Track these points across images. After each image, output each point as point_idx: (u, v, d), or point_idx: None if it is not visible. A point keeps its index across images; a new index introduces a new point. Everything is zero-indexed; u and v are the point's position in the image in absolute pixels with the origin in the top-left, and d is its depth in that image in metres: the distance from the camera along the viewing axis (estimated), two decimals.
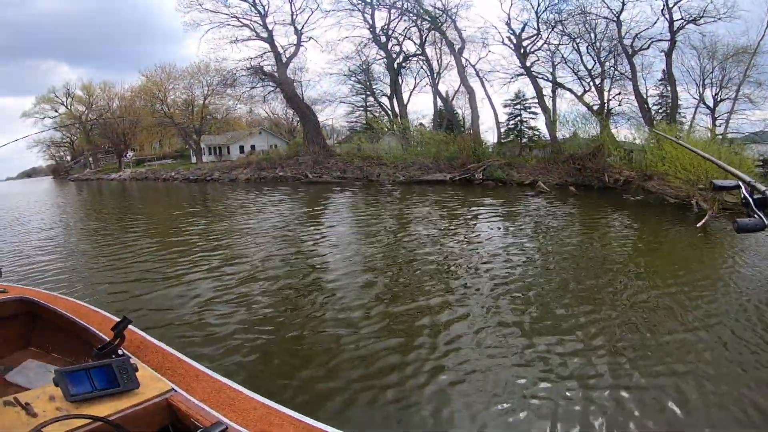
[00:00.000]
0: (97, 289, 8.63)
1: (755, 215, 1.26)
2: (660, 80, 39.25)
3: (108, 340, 2.58)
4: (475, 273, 9.67)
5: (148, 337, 2.78)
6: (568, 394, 4.86)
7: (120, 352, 2.52)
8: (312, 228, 14.95)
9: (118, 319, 2.69)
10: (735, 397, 4.64)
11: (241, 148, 50.82)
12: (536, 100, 39.95)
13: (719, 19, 31.90)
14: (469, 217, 17.67)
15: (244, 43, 40.37)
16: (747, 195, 1.29)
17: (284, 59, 39.81)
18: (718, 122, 36.11)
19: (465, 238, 13.68)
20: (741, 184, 1.33)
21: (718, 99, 36.57)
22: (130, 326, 2.63)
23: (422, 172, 31.76)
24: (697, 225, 15.18)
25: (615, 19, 34.83)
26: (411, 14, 39.39)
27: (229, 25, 39.29)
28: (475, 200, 22.32)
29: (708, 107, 37.09)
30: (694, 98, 37.07)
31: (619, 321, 7.04)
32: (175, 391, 2.14)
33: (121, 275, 9.57)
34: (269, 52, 39.80)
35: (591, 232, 15.25)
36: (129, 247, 12.46)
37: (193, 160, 50.44)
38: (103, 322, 2.97)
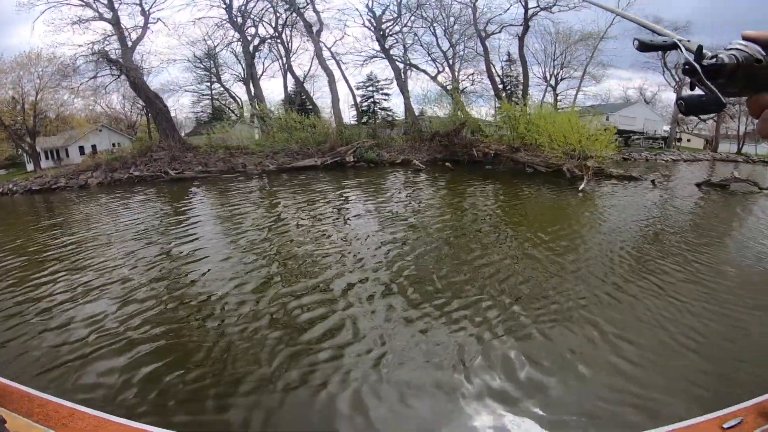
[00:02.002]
0: None
1: (704, 88, 0.84)
2: (505, 61, 43.28)
3: None
4: (374, 251, 9.54)
5: (11, 384, 2.47)
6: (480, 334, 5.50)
7: None
8: (186, 232, 13.18)
9: None
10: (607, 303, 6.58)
11: (81, 149, 44.85)
12: (387, 82, 41.80)
13: (574, 8, 35.75)
14: (353, 199, 17.40)
15: (85, 26, 35.56)
16: (692, 60, 0.85)
17: (129, 43, 35.98)
18: (559, 97, 42.79)
19: (356, 219, 13.40)
20: (678, 43, 0.91)
21: (560, 78, 43.07)
22: None
23: (291, 159, 30.76)
24: (579, 189, 16.72)
25: (471, 4, 36.83)
26: None
27: (68, 4, 34.08)
28: (353, 182, 22.13)
29: (551, 85, 43.22)
30: (537, 77, 42.88)
31: (520, 267, 8.12)
32: None
33: None
34: (112, 35, 35.61)
35: (478, 200, 15.84)
36: None
37: (30, 167, 43.98)
38: None
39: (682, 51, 0.89)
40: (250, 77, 40.74)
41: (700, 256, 9.28)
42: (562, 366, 4.93)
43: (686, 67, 0.86)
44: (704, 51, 0.87)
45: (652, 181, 20.68)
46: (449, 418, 4.08)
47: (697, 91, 0.85)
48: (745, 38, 0.87)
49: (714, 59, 0.86)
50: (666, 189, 19.47)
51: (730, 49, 0.87)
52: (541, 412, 4.13)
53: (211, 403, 4.38)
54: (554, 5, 36.30)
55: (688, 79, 0.83)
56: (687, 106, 0.86)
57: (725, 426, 2.45)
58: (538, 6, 36.69)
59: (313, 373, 4.85)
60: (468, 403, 4.27)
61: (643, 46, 0.97)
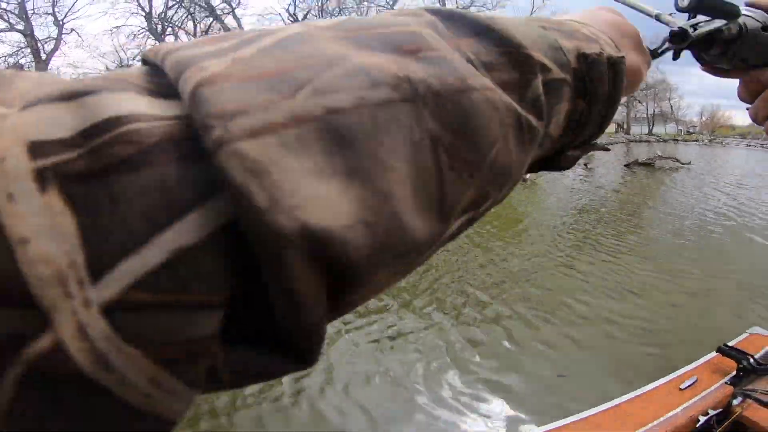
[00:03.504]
0: None
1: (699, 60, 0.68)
2: None
3: None
4: None
5: None
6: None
7: None
8: None
9: None
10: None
11: None
12: None
13: (491, 9, 37.19)
14: None
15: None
16: (685, 24, 0.64)
17: (44, 56, 33.30)
18: None
19: None
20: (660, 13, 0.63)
21: None
22: None
23: None
24: (526, 177, 17.35)
25: (389, 7, 37.40)
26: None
27: None
28: None
29: None
30: None
31: (476, 255, 8.31)
32: None
33: None
34: (26, 47, 32.72)
35: None
36: None
37: None
38: None
39: (665, 16, 0.64)
40: None
41: (642, 227, 10.22)
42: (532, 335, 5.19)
43: (677, 31, 0.63)
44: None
45: (585, 165, 21.94)
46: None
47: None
48: (748, 5, 0.72)
49: (710, 25, 0.66)
50: (598, 170, 20.70)
51: None
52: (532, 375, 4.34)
53: None
54: (472, 5, 37.55)
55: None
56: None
57: (682, 387, 2.62)
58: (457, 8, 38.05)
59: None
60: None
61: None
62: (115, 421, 0.13)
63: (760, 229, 10.07)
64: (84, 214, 0.12)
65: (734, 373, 2.67)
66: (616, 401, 2.51)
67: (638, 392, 2.61)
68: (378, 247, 0.16)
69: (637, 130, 59.41)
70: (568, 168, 0.33)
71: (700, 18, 0.65)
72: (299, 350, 0.17)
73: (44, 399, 0.12)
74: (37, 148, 0.12)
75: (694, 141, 57.30)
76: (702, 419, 2.39)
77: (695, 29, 0.64)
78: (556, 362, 4.61)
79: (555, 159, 0.31)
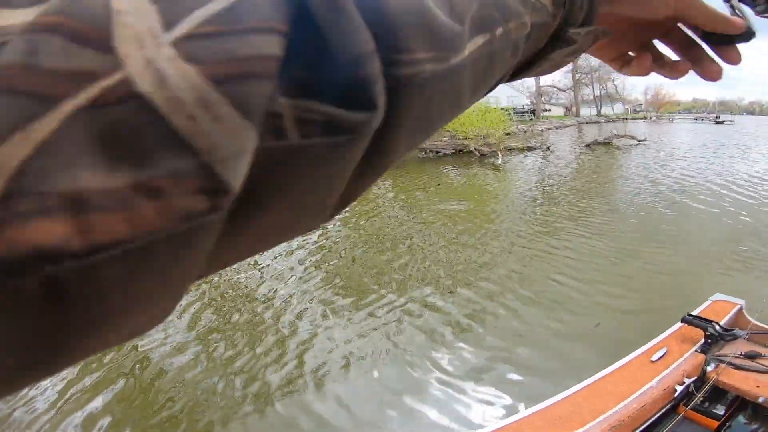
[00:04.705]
0: None
1: (736, 11, 0.53)
2: None
3: None
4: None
5: None
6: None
7: None
8: None
9: None
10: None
11: None
12: None
13: None
14: None
15: None
16: None
17: None
18: None
19: None
20: None
21: None
22: None
23: None
24: (497, 164, 17.62)
25: None
26: None
27: None
28: None
29: None
30: None
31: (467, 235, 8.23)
32: None
33: None
34: None
35: (405, 189, 15.78)
36: None
37: None
38: None
39: None
40: None
41: (608, 199, 10.83)
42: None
43: None
44: None
45: (548, 148, 22.44)
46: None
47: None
48: None
49: None
50: (561, 153, 21.25)
51: None
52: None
53: None
54: None
55: None
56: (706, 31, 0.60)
57: (653, 359, 2.68)
58: None
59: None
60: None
61: None
62: (154, 146, 0.13)
63: (713, 198, 10.69)
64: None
65: (702, 340, 2.71)
66: (591, 379, 2.51)
67: (611, 368, 2.62)
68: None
69: (586, 112, 61.02)
70: (580, 49, 0.34)
71: None
72: (357, 94, 0.16)
73: (94, 129, 0.12)
74: None
75: (642, 119, 59.51)
76: (679, 388, 2.39)
77: None
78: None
79: (562, 36, 0.32)
